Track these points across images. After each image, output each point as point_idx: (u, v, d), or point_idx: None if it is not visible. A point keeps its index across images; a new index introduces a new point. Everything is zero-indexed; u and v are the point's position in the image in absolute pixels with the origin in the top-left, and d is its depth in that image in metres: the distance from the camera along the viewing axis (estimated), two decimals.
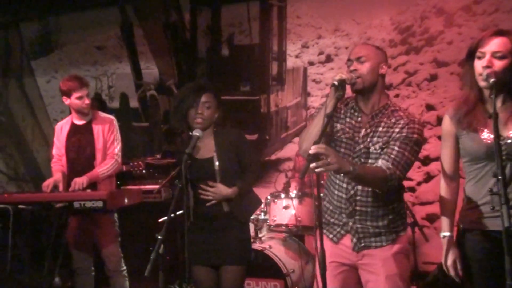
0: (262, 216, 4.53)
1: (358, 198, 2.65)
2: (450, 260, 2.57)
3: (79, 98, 4.17)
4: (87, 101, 4.19)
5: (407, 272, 2.71)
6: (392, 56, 5.08)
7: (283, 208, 4.40)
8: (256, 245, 4.17)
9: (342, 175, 2.58)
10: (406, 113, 2.63)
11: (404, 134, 2.54)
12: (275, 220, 4.41)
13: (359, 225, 2.66)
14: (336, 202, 2.70)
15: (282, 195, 4.45)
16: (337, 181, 2.69)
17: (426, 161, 5.02)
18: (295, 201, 4.35)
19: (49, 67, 6.83)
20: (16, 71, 6.94)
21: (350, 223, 2.67)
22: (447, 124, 2.57)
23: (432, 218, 4.97)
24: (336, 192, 2.70)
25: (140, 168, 5.12)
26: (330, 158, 2.25)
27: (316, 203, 2.46)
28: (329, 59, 5.54)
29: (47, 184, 4.12)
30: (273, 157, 5.74)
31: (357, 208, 2.65)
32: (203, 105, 3.17)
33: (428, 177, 5.05)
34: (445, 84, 5.00)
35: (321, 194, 2.60)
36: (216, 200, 3.20)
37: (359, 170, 2.38)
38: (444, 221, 2.62)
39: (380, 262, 2.63)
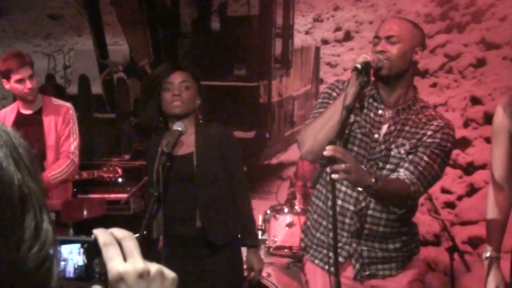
0: (259, 236, 4.50)
1: (370, 212, 2.60)
2: (490, 286, 2.56)
3: (20, 81, 4.04)
4: (29, 85, 4.05)
5: None
6: (429, 34, 5.03)
7: (286, 226, 4.37)
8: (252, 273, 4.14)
9: None
10: (439, 113, 2.68)
11: (437, 140, 2.54)
12: (275, 241, 4.38)
13: (364, 247, 2.62)
14: (337, 215, 2.58)
15: (286, 210, 4.42)
16: (343, 188, 2.62)
17: (470, 169, 5.00)
18: (302, 218, 4.32)
19: None
20: None
21: (354, 245, 2.62)
22: (500, 117, 2.56)
23: (475, 243, 4.96)
24: (339, 202, 2.61)
25: (117, 175, 4.98)
26: (349, 165, 2.22)
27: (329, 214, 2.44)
28: (348, 36, 5.53)
29: None
30: (275, 160, 5.73)
31: (367, 225, 2.60)
32: (179, 85, 3.18)
33: (472, 190, 5.05)
34: (496, 72, 4.99)
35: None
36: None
37: (381, 185, 2.34)
38: (489, 239, 2.62)
39: None
